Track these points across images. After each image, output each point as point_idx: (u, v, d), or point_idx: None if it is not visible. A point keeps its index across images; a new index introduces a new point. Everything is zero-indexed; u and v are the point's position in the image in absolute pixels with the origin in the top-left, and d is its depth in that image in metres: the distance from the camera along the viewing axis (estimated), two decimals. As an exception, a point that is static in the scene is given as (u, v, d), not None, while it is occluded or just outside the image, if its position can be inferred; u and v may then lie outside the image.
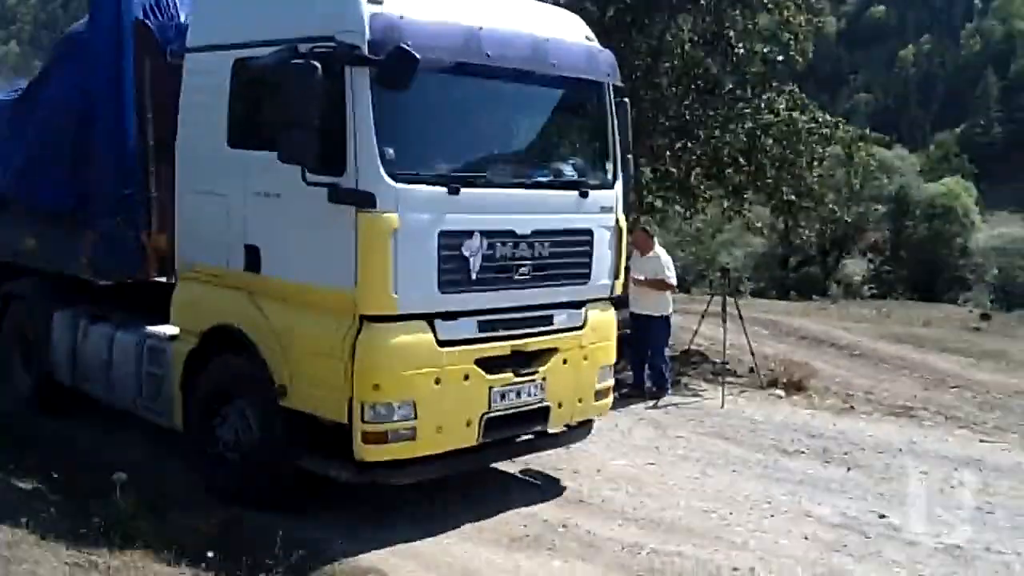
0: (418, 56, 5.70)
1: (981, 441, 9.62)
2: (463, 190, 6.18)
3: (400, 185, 5.92)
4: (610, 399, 7.58)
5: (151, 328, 7.63)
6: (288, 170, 6.07)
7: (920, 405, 11.04)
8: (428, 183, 6.07)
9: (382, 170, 5.86)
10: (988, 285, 38.36)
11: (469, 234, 6.21)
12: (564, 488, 7.53)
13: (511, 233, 6.44)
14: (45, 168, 8.18)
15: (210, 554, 5.69)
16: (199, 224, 6.94)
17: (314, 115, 5.71)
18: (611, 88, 7.17)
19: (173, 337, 7.30)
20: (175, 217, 7.17)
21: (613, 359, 7.47)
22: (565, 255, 6.81)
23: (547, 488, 7.52)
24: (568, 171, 6.97)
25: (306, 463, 6.40)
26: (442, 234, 6.09)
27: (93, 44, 7.75)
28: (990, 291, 37.31)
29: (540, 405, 6.81)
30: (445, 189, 6.12)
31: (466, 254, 6.21)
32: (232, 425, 6.75)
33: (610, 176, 7.15)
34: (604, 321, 7.26)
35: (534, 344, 6.71)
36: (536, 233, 6.58)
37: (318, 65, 5.70)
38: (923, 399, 11.32)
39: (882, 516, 7.19)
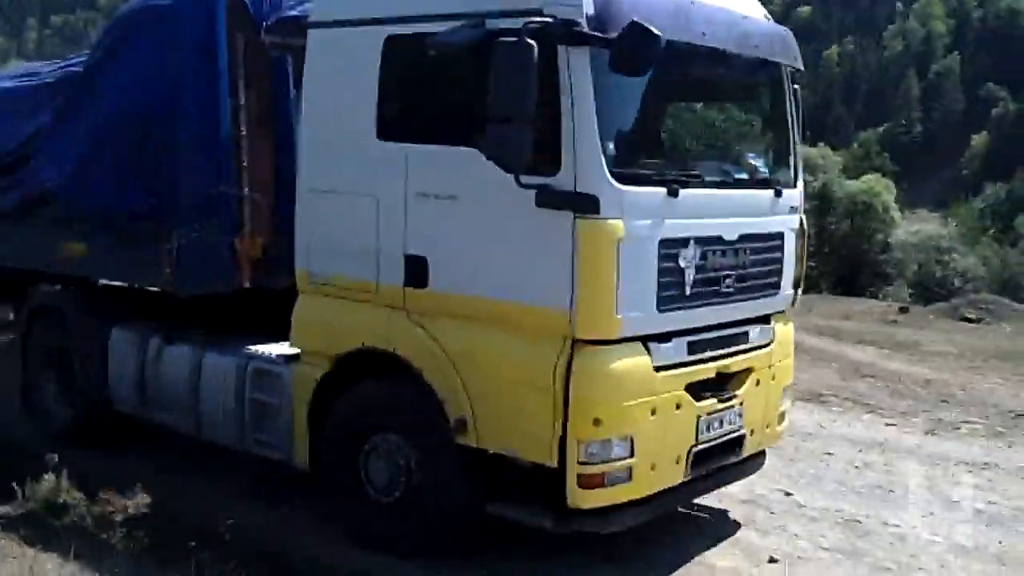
0: (660, 34, 4.78)
1: (886, 425, 9.74)
2: (680, 191, 5.30)
3: (623, 187, 5.00)
4: (787, 423, 6.76)
5: (255, 348, 6.56)
6: (469, 167, 5.17)
7: (833, 393, 11.17)
8: (648, 184, 5.16)
9: (606, 169, 4.94)
10: (907, 280, 39.03)
11: (685, 242, 5.32)
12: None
13: (719, 239, 5.56)
14: (113, 163, 6.97)
15: (139, 533, 5.75)
16: (332, 230, 5.88)
17: (530, 105, 4.74)
18: (791, 74, 6.33)
19: (290, 359, 6.26)
20: (297, 221, 6.09)
21: (792, 378, 6.65)
22: (762, 263, 5.96)
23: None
24: (762, 167, 6.11)
25: (496, 509, 5.43)
26: (661, 243, 5.19)
27: (178, 17, 6.61)
28: (909, 286, 37.94)
29: (738, 433, 5.96)
30: (664, 190, 5.23)
31: (681, 265, 5.32)
32: (384, 464, 5.73)
33: (794, 172, 6.32)
34: (788, 335, 6.43)
35: (735, 365, 5.85)
36: (741, 239, 5.72)
37: (535, 44, 4.72)
38: (837, 387, 11.47)
39: (788, 494, 7.36)
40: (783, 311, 6.38)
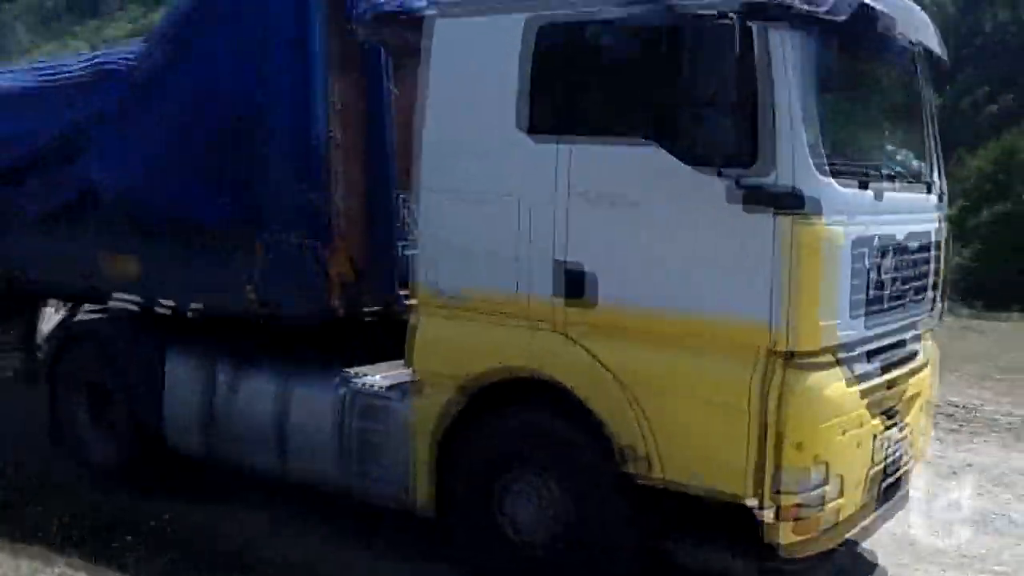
0: (891, 15, 4.30)
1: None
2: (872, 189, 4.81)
3: (827, 181, 4.49)
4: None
5: (357, 374, 5.86)
6: (645, 164, 4.63)
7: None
8: (844, 179, 4.63)
9: (812, 162, 4.42)
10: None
11: (874, 244, 4.82)
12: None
13: (899, 242, 5.08)
14: (187, 168, 6.21)
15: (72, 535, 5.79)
16: (464, 238, 5.25)
17: (735, 91, 4.22)
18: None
19: (403, 387, 5.59)
20: (417, 230, 5.46)
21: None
22: (926, 269, 5.49)
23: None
24: (921, 166, 5.63)
25: (674, 550, 4.83)
26: (856, 244, 4.67)
27: (268, 4, 5.92)
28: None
29: (908, 457, 5.46)
30: (858, 186, 4.73)
31: (870, 269, 4.80)
32: (532, 502, 5.09)
33: (939, 172, 5.84)
34: (935, 351, 5.96)
35: (907, 383, 5.35)
36: (914, 242, 5.24)
37: (740, 23, 4.20)
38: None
39: None
40: (931, 325, 5.91)
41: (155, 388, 6.77)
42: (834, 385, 4.61)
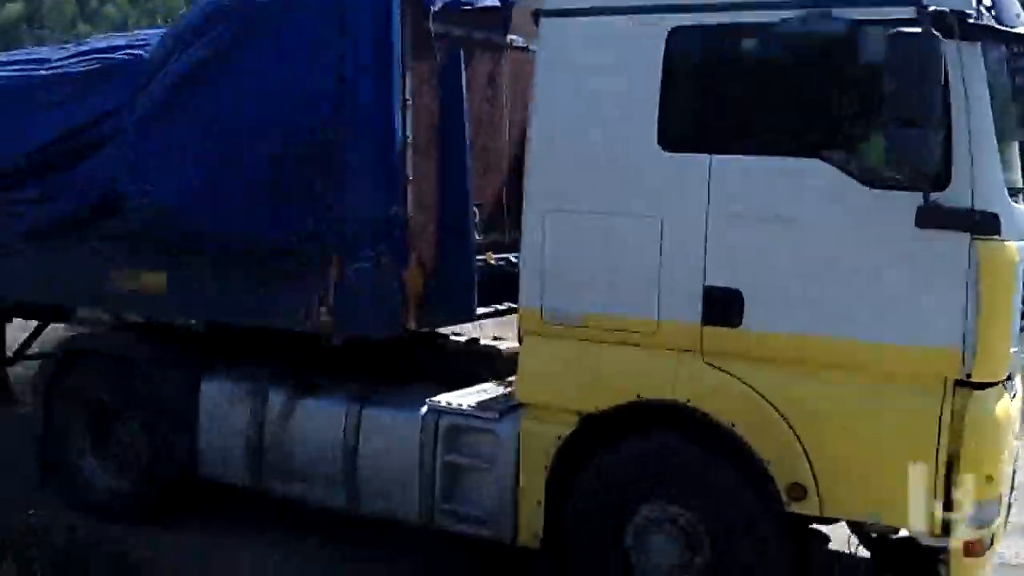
0: None
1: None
2: None
3: (1014, 203, 4.31)
4: None
5: (441, 400, 5.42)
6: (811, 182, 4.38)
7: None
8: (1018, 199, 4.46)
9: (1002, 183, 4.22)
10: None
11: None
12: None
13: None
14: (251, 178, 5.59)
15: None
16: (584, 259, 4.86)
17: (937, 106, 3.96)
18: None
19: (503, 413, 5.19)
20: (525, 250, 5.04)
21: None
22: None
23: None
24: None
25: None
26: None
27: (344, 3, 5.35)
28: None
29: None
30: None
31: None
32: (670, 540, 4.75)
33: None
34: None
35: None
36: None
37: (941, 36, 3.94)
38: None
39: None
40: None
41: (188, 415, 6.16)
42: (1010, 412, 4.45)
